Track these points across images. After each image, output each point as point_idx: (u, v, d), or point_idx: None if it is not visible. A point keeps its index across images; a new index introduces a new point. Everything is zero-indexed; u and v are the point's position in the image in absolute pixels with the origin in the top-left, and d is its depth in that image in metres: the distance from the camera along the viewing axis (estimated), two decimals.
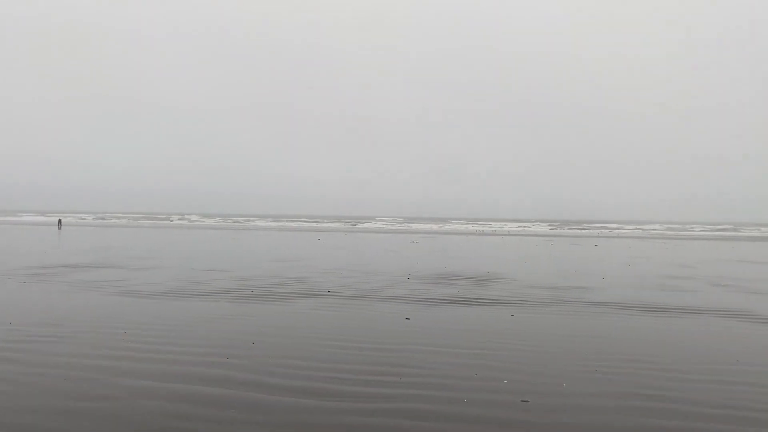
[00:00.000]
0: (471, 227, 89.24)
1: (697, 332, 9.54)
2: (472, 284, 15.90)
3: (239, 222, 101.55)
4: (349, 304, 11.94)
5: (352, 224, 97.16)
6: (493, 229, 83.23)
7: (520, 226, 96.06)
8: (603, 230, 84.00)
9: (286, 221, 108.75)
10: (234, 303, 12.20)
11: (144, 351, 7.84)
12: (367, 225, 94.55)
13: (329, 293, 13.72)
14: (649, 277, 18.48)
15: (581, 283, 16.29)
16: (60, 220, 66.63)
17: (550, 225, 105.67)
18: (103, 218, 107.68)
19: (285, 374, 6.72)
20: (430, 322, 10.03)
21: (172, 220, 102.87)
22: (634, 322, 10.18)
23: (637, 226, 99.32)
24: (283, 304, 12.11)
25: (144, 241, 38.03)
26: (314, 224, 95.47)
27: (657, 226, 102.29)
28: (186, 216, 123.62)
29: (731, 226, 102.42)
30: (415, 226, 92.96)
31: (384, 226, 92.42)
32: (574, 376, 6.76)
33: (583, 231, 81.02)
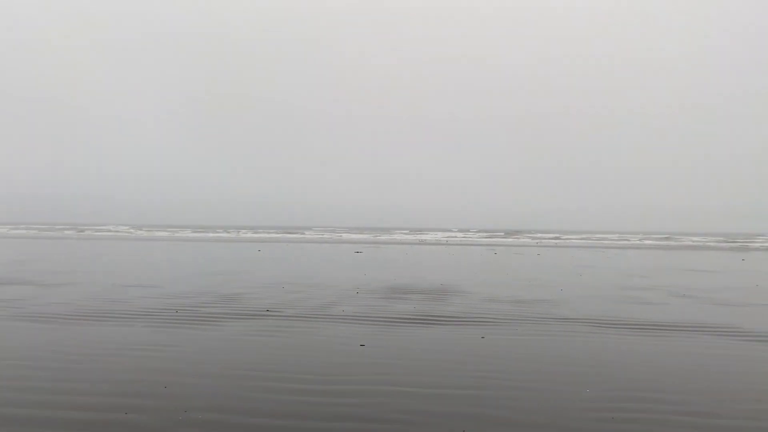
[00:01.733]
0: (414, 236, 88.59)
1: (700, 355, 8.41)
2: (427, 299, 14.47)
3: (172, 232, 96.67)
4: (292, 327, 10.19)
5: (292, 233, 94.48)
6: (437, 238, 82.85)
7: (463, 236, 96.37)
8: (542, 239, 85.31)
9: (221, 232, 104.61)
10: (152, 327, 10.20)
11: (6, 402, 5.85)
12: (307, 235, 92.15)
13: (268, 313, 11.91)
14: (607, 288, 17.68)
15: (541, 296, 15.20)
16: None
17: (488, 234, 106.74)
18: (20, 228, 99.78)
19: None
20: (390, 349, 8.44)
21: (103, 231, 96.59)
22: (625, 344, 8.96)
23: (581, 236, 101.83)
24: (213, 327, 10.22)
25: (66, 254, 34.52)
26: (253, 234, 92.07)
27: (605, 236, 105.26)
28: (115, 227, 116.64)
29: (666, 235, 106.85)
30: (356, 236, 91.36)
31: (325, 236, 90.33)
32: (589, 428, 5.34)
33: (523, 240, 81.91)
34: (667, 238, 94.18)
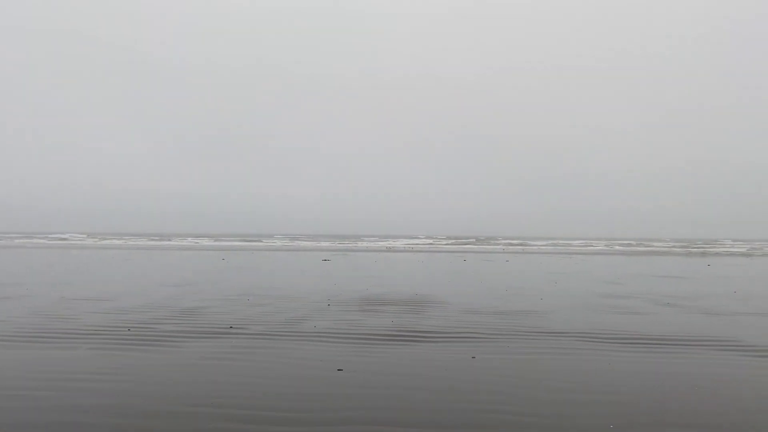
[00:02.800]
0: (380, 244, 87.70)
1: (719, 375, 7.69)
2: (403, 311, 13.54)
3: (127, 240, 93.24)
4: (258, 348, 9.08)
5: (255, 241, 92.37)
6: (404, 245, 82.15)
7: (429, 243, 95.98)
8: (508, 246, 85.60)
9: (181, 240, 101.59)
10: (99, 350, 8.96)
11: None
12: (270, 243, 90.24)
13: (232, 330, 10.76)
14: (586, 296, 17.09)
15: (522, 306, 14.46)
16: None
17: (454, 241, 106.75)
18: None
19: None
20: (372, 374, 7.43)
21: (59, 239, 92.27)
22: (630, 362, 8.12)
23: (546, 242, 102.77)
24: (169, 349, 9.04)
25: (12, 263, 32.26)
26: (215, 243, 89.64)
27: (569, 242, 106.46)
28: (68, 234, 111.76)
29: (628, 241, 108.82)
30: (322, 243, 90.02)
31: (291, 243, 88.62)
32: None
33: (489, 246, 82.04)
34: (629, 244, 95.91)
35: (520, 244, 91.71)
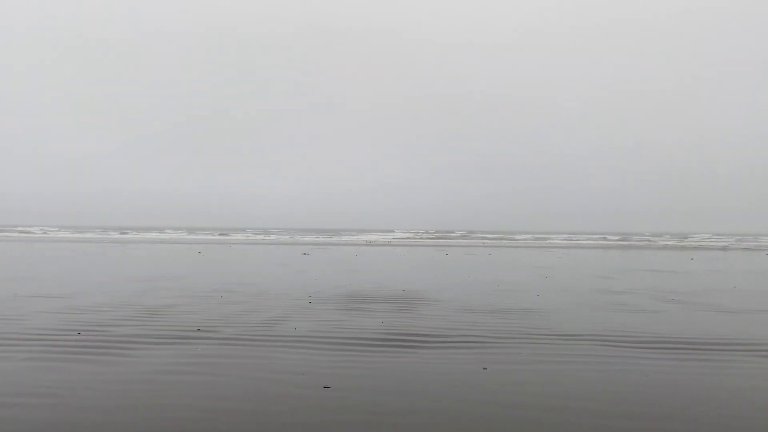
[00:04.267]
0: (359, 237, 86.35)
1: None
2: (392, 309, 12.29)
3: (104, 234, 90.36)
4: (228, 356, 7.71)
5: (232, 235, 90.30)
6: (384, 239, 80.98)
7: (409, 236, 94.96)
8: (488, 239, 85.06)
9: (156, 233, 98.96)
10: (32, 360, 7.51)
11: None
12: (248, 236, 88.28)
13: (199, 333, 9.38)
14: (583, 292, 16.06)
15: (520, 303, 13.32)
16: None
17: (434, 234, 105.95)
18: None
19: None
20: (365, 392, 6.08)
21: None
22: (667, 371, 6.94)
23: (524, 236, 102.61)
24: (118, 359, 7.62)
25: None
26: (192, 236, 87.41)
27: (548, 236, 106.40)
28: (30, 227, 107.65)
29: (607, 235, 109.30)
30: (301, 237, 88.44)
31: (270, 237, 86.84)
32: None
33: (470, 240, 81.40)
34: (603, 238, 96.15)
35: (500, 238, 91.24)
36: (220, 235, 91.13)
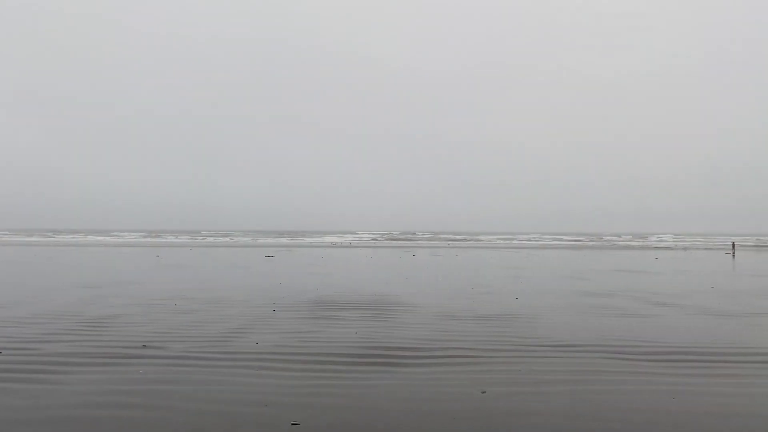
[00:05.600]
0: (322, 239, 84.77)
1: None
2: (367, 317, 11.17)
3: (61, 237, 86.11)
4: (175, 382, 6.43)
5: (194, 237, 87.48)
6: (348, 240, 79.69)
7: (371, 237, 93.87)
8: (453, 241, 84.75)
9: (114, 235, 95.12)
10: None
11: None
12: (211, 239, 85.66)
13: (144, 350, 8.06)
14: (564, 294, 15.31)
15: (501, 308, 12.40)
16: None
17: (397, 236, 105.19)
18: None
19: None
20: (343, 430, 4.98)
21: None
22: (705, 392, 6.04)
23: (495, 236, 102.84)
24: (41, 386, 6.27)
25: None
26: (152, 239, 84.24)
27: (514, 236, 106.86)
28: None
29: (564, 236, 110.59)
30: (263, 239, 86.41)
31: (233, 239, 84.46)
32: None
33: (435, 242, 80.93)
34: (560, 238, 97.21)
35: (465, 239, 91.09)
36: (187, 237, 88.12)
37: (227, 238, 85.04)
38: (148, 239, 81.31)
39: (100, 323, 10.43)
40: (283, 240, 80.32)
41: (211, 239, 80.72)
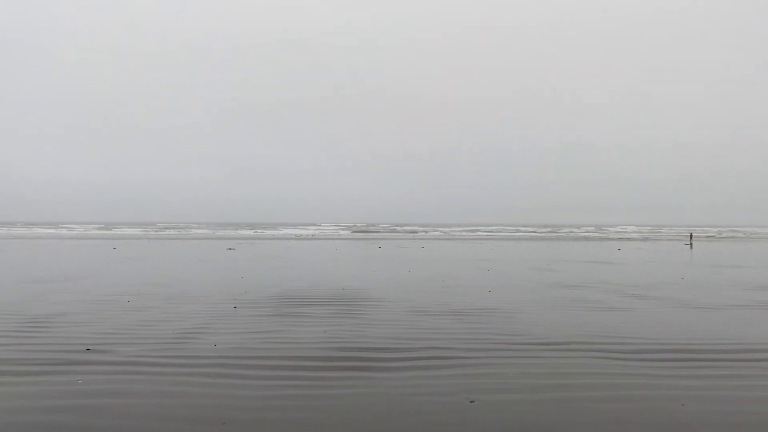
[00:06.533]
0: (285, 231, 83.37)
1: None
2: (335, 313, 10.47)
3: (14, 229, 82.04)
4: (120, 394, 5.60)
5: (153, 231, 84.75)
6: (310, 233, 78.56)
7: (333, 230, 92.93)
8: (417, 232, 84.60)
9: (67, 228, 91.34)
10: None
11: None
12: (170, 232, 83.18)
13: (88, 354, 7.16)
14: (535, 287, 14.94)
15: (475, 302, 11.88)
16: None
17: (359, 228, 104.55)
18: None
19: None
20: None
21: None
22: (715, 398, 5.60)
23: (458, 228, 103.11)
24: None
25: None
26: (108, 231, 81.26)
27: (477, 228, 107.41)
28: None
29: (521, 227, 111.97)
30: (223, 231, 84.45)
31: (189, 231, 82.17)
32: None
33: (399, 234, 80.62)
34: (517, 229, 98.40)
35: (427, 230, 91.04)
36: (142, 229, 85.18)
37: (185, 231, 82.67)
38: (104, 231, 78.30)
39: (43, 323, 9.43)
40: (245, 232, 78.57)
41: (168, 231, 78.27)
